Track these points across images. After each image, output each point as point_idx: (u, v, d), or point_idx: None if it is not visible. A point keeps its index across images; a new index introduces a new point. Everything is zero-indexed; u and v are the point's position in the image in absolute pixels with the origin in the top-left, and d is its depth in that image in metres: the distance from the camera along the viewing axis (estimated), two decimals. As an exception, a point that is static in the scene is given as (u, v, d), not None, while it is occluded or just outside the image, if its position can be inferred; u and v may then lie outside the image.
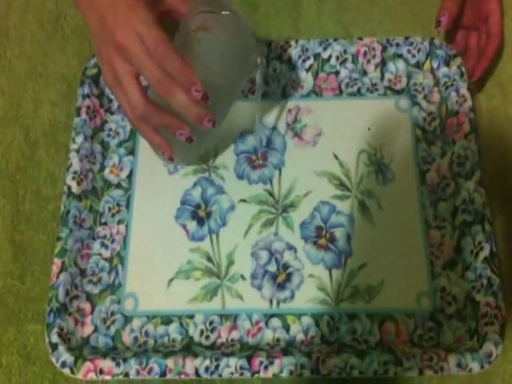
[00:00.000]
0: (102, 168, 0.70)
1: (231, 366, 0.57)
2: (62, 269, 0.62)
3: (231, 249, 0.66)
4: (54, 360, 0.59)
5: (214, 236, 0.67)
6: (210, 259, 0.65)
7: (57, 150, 0.72)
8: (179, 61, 0.52)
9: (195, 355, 0.58)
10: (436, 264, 0.64)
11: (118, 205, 0.68)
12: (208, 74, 0.55)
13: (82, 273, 0.65)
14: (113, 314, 0.64)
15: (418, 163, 0.69)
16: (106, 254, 0.66)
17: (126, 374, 0.57)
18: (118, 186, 0.69)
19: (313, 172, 0.69)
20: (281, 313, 0.63)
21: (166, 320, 0.63)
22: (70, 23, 0.80)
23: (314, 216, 0.67)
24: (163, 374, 0.57)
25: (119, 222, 0.68)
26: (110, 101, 0.73)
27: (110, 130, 0.72)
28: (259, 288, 0.64)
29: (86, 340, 0.62)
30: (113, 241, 0.67)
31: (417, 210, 0.67)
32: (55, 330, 0.60)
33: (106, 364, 0.58)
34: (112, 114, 0.73)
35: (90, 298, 0.64)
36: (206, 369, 0.57)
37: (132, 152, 0.71)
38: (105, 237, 0.67)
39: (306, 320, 0.62)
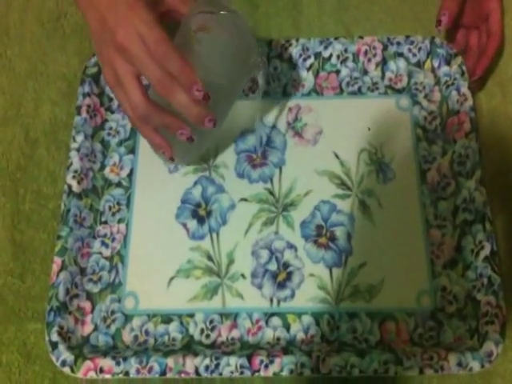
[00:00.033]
0: (103, 167, 0.70)
1: (231, 364, 0.57)
2: (63, 267, 0.62)
3: (231, 248, 0.66)
4: (54, 359, 0.59)
5: (214, 235, 0.67)
6: (210, 258, 0.65)
7: (57, 148, 0.72)
8: (180, 61, 0.52)
9: (195, 354, 0.58)
10: (436, 263, 0.64)
11: (118, 204, 0.68)
12: (208, 74, 0.55)
13: (83, 271, 0.65)
14: (113, 312, 0.64)
15: (418, 162, 0.69)
16: (107, 252, 0.66)
17: (126, 373, 0.57)
18: (119, 184, 0.69)
19: (313, 171, 0.69)
20: (281, 312, 0.63)
21: (167, 319, 0.63)
22: (71, 22, 0.80)
23: (314, 215, 0.67)
24: (163, 373, 0.57)
25: (119, 221, 0.68)
26: (111, 99, 0.73)
27: (111, 128, 0.72)
28: (259, 287, 0.64)
29: (86, 339, 0.62)
30: (113, 239, 0.67)
31: (417, 209, 0.66)
32: (55, 328, 0.60)
33: (106, 363, 0.58)
34: (112, 112, 0.73)
35: (90, 296, 0.64)
36: (206, 368, 0.57)
37: (132, 151, 0.71)
38: (105, 235, 0.67)
39: (307, 319, 0.62)
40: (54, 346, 0.59)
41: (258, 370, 0.57)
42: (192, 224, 0.67)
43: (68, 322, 0.61)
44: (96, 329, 0.63)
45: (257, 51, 0.58)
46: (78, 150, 0.68)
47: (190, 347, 0.61)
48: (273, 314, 0.63)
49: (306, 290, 0.64)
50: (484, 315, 0.59)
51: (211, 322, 0.63)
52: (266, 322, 0.62)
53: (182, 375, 0.57)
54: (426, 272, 0.64)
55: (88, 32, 0.57)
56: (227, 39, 0.58)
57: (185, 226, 0.67)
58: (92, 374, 0.58)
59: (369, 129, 0.70)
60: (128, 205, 0.68)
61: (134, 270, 0.65)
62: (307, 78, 0.74)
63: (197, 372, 0.57)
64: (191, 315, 0.63)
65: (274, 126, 0.72)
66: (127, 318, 0.63)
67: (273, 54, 0.73)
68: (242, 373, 0.57)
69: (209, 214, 0.67)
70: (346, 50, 0.73)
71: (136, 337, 0.62)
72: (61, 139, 0.73)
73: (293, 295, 0.64)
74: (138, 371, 0.57)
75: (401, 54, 0.73)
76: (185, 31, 0.56)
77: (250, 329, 0.62)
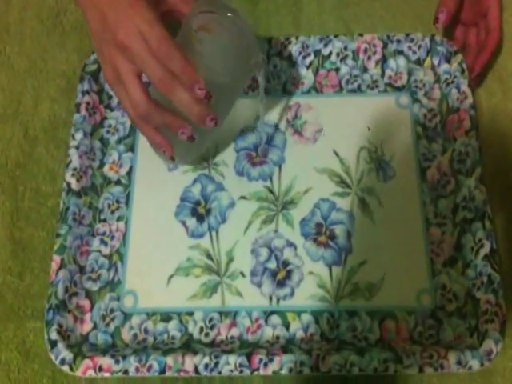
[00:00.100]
0: (102, 165, 0.70)
1: (231, 363, 0.57)
2: (62, 266, 0.62)
3: (231, 246, 0.66)
4: (53, 357, 0.59)
5: (213, 233, 0.66)
6: (209, 256, 0.65)
7: (56, 146, 0.72)
8: (182, 59, 0.52)
9: (195, 352, 0.58)
10: (436, 261, 0.64)
11: (117, 201, 0.68)
12: (210, 73, 0.54)
13: (82, 270, 0.65)
14: (112, 311, 0.63)
15: (418, 160, 0.68)
16: (106, 250, 0.66)
17: (126, 372, 0.57)
18: (118, 182, 0.69)
19: (313, 169, 0.69)
20: (280, 310, 0.63)
21: (166, 317, 0.63)
22: (70, 19, 0.80)
23: (314, 213, 0.67)
24: (162, 372, 0.57)
25: (119, 219, 0.68)
26: (110, 97, 0.73)
27: (110, 126, 0.72)
28: (259, 285, 0.64)
29: (86, 337, 0.62)
30: (112, 238, 0.67)
31: (417, 207, 0.66)
32: (54, 327, 0.60)
33: (105, 361, 0.58)
34: (112, 110, 0.73)
35: (89, 295, 0.64)
36: (206, 366, 0.57)
37: (132, 149, 0.71)
38: (104, 234, 0.67)
39: (306, 317, 0.62)
40: (53, 344, 0.59)
41: (258, 369, 0.57)
42: (191, 222, 0.67)
43: (67, 320, 0.61)
44: (95, 327, 0.63)
45: (258, 50, 0.57)
46: (77, 147, 0.67)
47: (189, 346, 0.61)
48: (272, 313, 0.63)
49: (306, 289, 0.64)
50: (484, 313, 0.59)
51: (210, 320, 0.62)
52: (266, 321, 0.62)
53: (182, 374, 0.57)
54: (426, 270, 0.64)
55: (88, 30, 0.57)
56: (228, 39, 0.58)
57: (184, 224, 0.67)
58: (91, 373, 0.57)
59: (368, 129, 0.70)
60: (127, 203, 0.68)
61: (133, 268, 0.65)
62: (307, 75, 0.73)
63: (196, 370, 0.57)
64: (190, 313, 0.63)
65: (273, 124, 0.71)
66: (126, 317, 0.63)
67: (272, 51, 0.73)
68: (241, 371, 0.57)
69: (208, 212, 0.67)
70: (345, 48, 0.73)
71: (135, 335, 0.62)
72: (60, 137, 0.73)
73: (292, 293, 0.63)
74: (137, 370, 0.57)
75: (401, 52, 0.73)
76: (186, 31, 0.56)
77: (250, 327, 0.62)
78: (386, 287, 0.63)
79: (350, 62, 0.73)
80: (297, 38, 0.73)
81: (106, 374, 0.57)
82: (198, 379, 0.61)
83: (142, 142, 0.70)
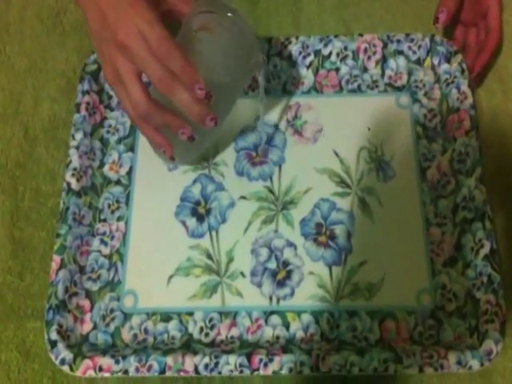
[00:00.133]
0: (102, 165, 0.70)
1: (231, 363, 0.57)
2: (62, 266, 0.62)
3: (231, 246, 0.66)
4: (53, 357, 0.59)
5: (213, 233, 0.66)
6: (209, 256, 0.65)
7: (56, 146, 0.72)
8: (182, 59, 0.52)
9: (195, 352, 0.58)
10: (436, 261, 0.64)
11: (117, 201, 0.68)
12: (210, 73, 0.54)
13: (82, 270, 0.65)
14: (112, 311, 0.63)
15: (418, 160, 0.68)
16: (106, 250, 0.66)
17: (126, 372, 0.57)
18: (118, 182, 0.69)
19: (313, 169, 0.69)
20: (280, 310, 0.63)
21: (166, 317, 0.63)
22: (70, 19, 0.80)
23: (314, 213, 0.67)
24: (162, 372, 0.57)
25: (119, 219, 0.68)
26: (110, 97, 0.73)
27: (110, 126, 0.72)
28: (259, 285, 0.64)
29: (86, 337, 0.62)
30: (112, 238, 0.67)
31: (417, 207, 0.66)
32: (54, 327, 0.60)
33: (106, 361, 0.58)
34: (112, 110, 0.73)
35: (89, 295, 0.64)
36: (206, 366, 0.57)
37: (132, 148, 0.71)
38: (104, 234, 0.67)
39: (306, 317, 0.62)
40: (53, 344, 0.59)
41: (258, 369, 0.57)
42: (191, 222, 0.67)
43: (67, 320, 0.61)
44: (95, 327, 0.63)
45: (258, 50, 0.57)
46: (77, 147, 0.67)
47: (189, 346, 0.61)
48: (272, 313, 0.63)
49: (306, 289, 0.64)
50: (484, 313, 0.59)
51: (210, 320, 0.62)
52: (266, 321, 0.62)
53: (182, 374, 0.57)
54: (426, 270, 0.64)
55: (87, 29, 0.57)
56: (228, 39, 0.58)
57: (184, 224, 0.67)
58: (91, 373, 0.57)
59: (369, 129, 0.70)
60: (127, 203, 0.68)
61: (133, 268, 0.65)
62: (307, 75, 0.73)
63: (196, 371, 0.57)
64: (190, 313, 0.63)
65: (273, 124, 0.71)
66: (126, 317, 0.63)
67: (272, 51, 0.73)
68: (241, 371, 0.57)
69: (208, 212, 0.67)
70: (345, 48, 0.73)
71: (135, 335, 0.62)
72: (60, 137, 0.73)
73: (292, 293, 0.63)
74: (137, 370, 0.57)
75: (401, 52, 0.73)
76: (186, 31, 0.56)
77: (250, 327, 0.62)
78: (386, 287, 0.63)
79: (350, 62, 0.73)
80: (297, 37, 0.73)
81: (106, 374, 0.57)
82: (198, 379, 0.61)
83: (142, 142, 0.70)
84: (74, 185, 0.66)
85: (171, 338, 0.62)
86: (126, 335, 0.62)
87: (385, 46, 0.72)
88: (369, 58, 0.73)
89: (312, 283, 0.64)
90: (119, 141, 0.71)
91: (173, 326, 0.62)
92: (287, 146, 0.70)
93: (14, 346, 0.64)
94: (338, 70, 0.73)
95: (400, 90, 0.72)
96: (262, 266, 0.65)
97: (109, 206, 0.68)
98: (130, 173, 0.70)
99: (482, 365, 0.56)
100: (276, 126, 0.71)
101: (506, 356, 0.61)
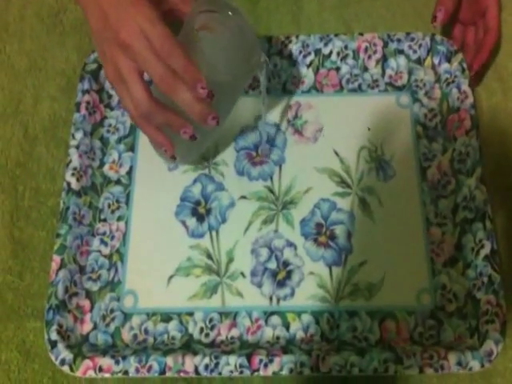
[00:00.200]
0: (102, 164, 0.70)
1: (231, 364, 0.57)
2: (62, 266, 0.62)
3: (231, 246, 0.66)
4: (53, 357, 0.59)
5: (213, 233, 0.66)
6: (209, 256, 0.65)
7: (56, 145, 0.72)
8: (184, 58, 0.52)
9: (195, 353, 0.58)
10: (436, 261, 0.64)
11: (117, 201, 0.68)
12: (211, 72, 0.54)
13: (82, 270, 0.65)
14: (112, 311, 0.63)
15: (418, 160, 0.68)
16: (106, 250, 0.66)
17: (126, 372, 0.57)
18: (118, 182, 0.69)
19: (313, 168, 0.69)
20: (281, 310, 0.63)
21: (166, 317, 0.63)
22: (70, 18, 0.80)
23: (314, 213, 0.67)
24: (163, 372, 0.57)
25: (119, 219, 0.67)
26: (110, 96, 0.73)
27: (110, 125, 0.72)
28: (259, 285, 0.64)
29: (86, 337, 0.62)
30: (112, 237, 0.67)
31: (417, 207, 0.66)
32: (54, 327, 0.60)
33: (106, 362, 0.58)
34: (112, 109, 0.73)
35: (89, 295, 0.64)
36: (206, 367, 0.57)
37: (132, 148, 0.71)
38: (104, 233, 0.67)
39: (306, 318, 0.62)
40: (53, 344, 0.59)
41: (258, 370, 0.57)
42: (191, 222, 0.67)
43: (67, 320, 0.61)
44: (95, 327, 0.63)
45: (259, 49, 0.57)
46: (77, 147, 0.67)
47: (189, 346, 0.61)
48: (272, 313, 0.63)
49: (306, 289, 0.64)
50: (484, 314, 0.59)
51: (211, 320, 0.62)
52: (266, 321, 0.62)
53: (182, 374, 0.57)
54: (426, 270, 0.64)
55: (88, 28, 0.56)
56: (229, 38, 0.58)
57: (184, 223, 0.67)
58: (91, 373, 0.57)
59: (369, 128, 0.70)
60: (127, 202, 0.68)
61: (134, 268, 0.65)
62: (307, 74, 0.73)
63: (196, 371, 0.57)
64: (191, 314, 0.63)
65: (274, 124, 0.71)
66: (126, 317, 0.63)
67: (273, 50, 0.73)
68: (241, 372, 0.57)
69: (208, 211, 0.67)
70: (346, 47, 0.73)
71: (135, 335, 0.62)
72: (60, 136, 0.72)
73: (292, 294, 0.63)
74: (137, 370, 0.57)
75: (401, 51, 0.72)
76: (187, 30, 0.55)
77: (250, 328, 0.62)
78: (386, 287, 0.63)
79: (350, 61, 0.73)
80: (297, 36, 0.73)
81: (106, 375, 0.57)
82: (198, 380, 0.61)
83: (143, 142, 0.70)
84: (74, 184, 0.66)
85: (171, 339, 0.62)
86: (126, 335, 0.62)
87: (385, 45, 0.72)
88: (369, 57, 0.73)
89: (312, 283, 0.64)
90: (119, 140, 0.71)
91: (173, 327, 0.62)
92: (287, 145, 0.70)
93: (14, 345, 0.64)
94: (338, 69, 0.73)
95: (400, 90, 0.72)
96: (262, 266, 0.65)
97: (109, 205, 0.68)
98: (130, 172, 0.70)
99: (482, 365, 0.56)
100: (276, 126, 0.71)
101: (506, 357, 0.61)
